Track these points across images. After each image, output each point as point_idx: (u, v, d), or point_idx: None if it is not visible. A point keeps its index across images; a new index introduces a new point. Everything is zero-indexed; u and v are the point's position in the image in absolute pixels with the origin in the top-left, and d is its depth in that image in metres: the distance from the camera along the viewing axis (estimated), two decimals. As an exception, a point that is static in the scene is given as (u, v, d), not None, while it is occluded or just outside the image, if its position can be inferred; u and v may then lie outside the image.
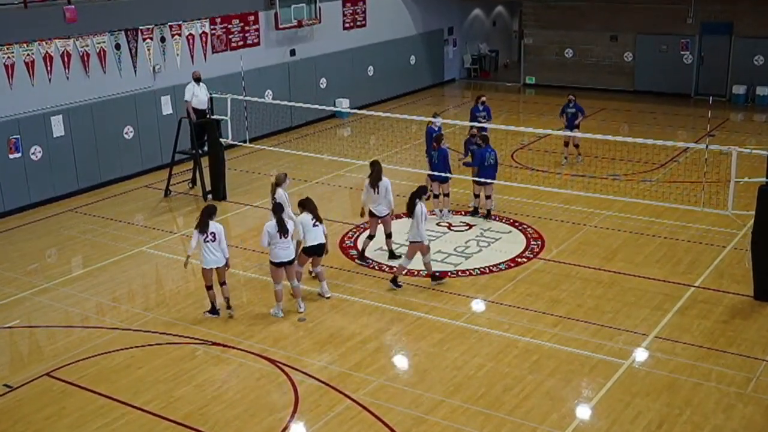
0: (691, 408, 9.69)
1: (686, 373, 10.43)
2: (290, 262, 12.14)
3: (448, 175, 15.84)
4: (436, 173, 15.72)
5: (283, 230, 11.88)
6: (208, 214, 12.03)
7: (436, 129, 17.01)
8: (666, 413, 9.60)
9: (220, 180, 17.90)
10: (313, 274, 13.05)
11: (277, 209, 12.06)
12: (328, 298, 12.81)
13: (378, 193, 13.82)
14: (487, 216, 16.03)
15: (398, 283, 13.13)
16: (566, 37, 29.05)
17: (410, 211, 12.80)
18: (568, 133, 18.75)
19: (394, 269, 13.43)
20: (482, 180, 15.62)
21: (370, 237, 14.31)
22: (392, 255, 14.33)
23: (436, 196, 15.99)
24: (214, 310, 12.38)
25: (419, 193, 12.90)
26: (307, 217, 12.37)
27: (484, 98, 19.22)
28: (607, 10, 27.79)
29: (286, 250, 12.00)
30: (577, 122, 19.11)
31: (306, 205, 12.45)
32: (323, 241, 12.48)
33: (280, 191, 13.20)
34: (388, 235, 14.31)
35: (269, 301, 12.88)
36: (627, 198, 15.58)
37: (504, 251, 14.50)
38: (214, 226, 11.94)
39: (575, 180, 17.96)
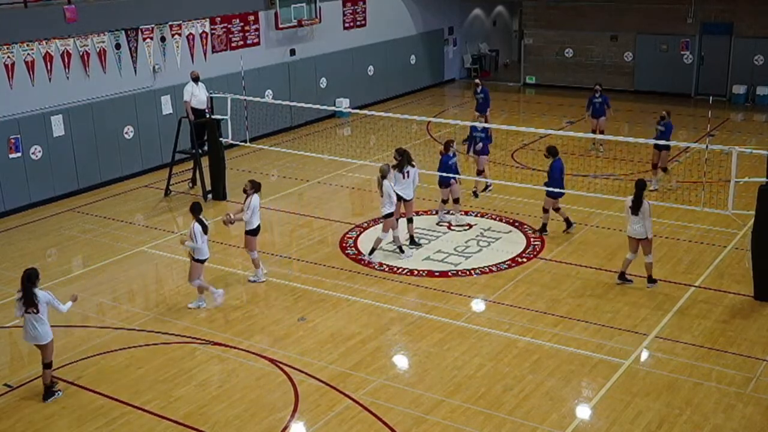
0: (691, 408, 9.70)
1: (686, 373, 10.44)
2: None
3: (454, 176, 15.48)
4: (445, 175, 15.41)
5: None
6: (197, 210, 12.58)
7: (479, 130, 17.39)
8: (666, 413, 9.61)
9: (220, 180, 17.91)
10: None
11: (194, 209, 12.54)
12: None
13: (407, 178, 14.41)
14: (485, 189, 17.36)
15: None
16: (566, 37, 29.06)
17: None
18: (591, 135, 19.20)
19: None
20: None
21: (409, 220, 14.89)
22: (413, 241, 14.78)
23: (454, 200, 15.73)
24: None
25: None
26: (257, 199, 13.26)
27: (477, 80, 21.68)
28: (608, 10, 27.81)
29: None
30: (605, 115, 20.30)
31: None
32: None
33: (386, 183, 13.80)
34: (410, 220, 14.76)
35: (270, 301, 12.92)
36: (624, 198, 15.54)
37: (504, 251, 14.50)
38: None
39: (576, 180, 17.95)
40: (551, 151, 14.84)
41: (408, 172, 14.52)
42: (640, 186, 12.63)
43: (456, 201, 15.73)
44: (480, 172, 17.41)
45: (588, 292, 12.82)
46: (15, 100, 17.21)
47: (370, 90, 26.69)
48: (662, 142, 16.00)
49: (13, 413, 10.06)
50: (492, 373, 10.56)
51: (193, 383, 10.57)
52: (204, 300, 12.78)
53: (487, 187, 17.55)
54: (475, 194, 17.36)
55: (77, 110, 18.36)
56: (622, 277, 13.03)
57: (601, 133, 19.97)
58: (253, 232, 13.32)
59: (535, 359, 10.87)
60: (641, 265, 12.92)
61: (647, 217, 12.49)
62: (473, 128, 17.70)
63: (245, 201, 13.25)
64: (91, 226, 16.58)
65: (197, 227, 12.31)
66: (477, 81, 21.86)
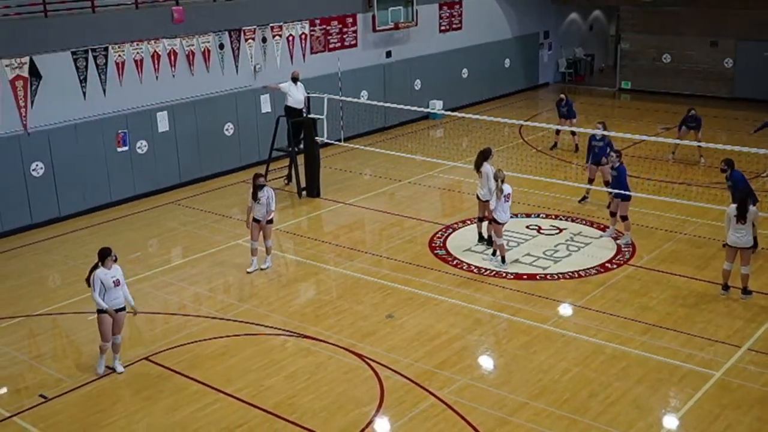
0: (783, 423, 9.46)
1: (780, 388, 10.18)
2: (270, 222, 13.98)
3: (627, 193, 14.69)
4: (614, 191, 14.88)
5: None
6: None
7: (598, 138, 16.72)
8: (757, 427, 9.38)
9: (314, 177, 18.30)
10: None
11: None
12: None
13: (481, 177, 14.55)
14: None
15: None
16: (664, 42, 28.42)
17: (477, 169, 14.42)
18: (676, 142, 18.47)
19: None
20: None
21: (479, 219, 15.09)
22: (481, 238, 14.98)
23: (612, 215, 15.11)
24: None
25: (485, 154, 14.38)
26: None
27: (563, 95, 21.05)
28: (708, 15, 27.04)
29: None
30: (699, 137, 19.46)
31: None
32: None
33: (486, 165, 14.40)
34: (480, 219, 14.99)
35: (360, 297, 13.16)
36: (723, 207, 15.16)
37: (594, 256, 14.38)
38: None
39: (670, 187, 17.62)
40: (729, 164, 14.12)
41: (480, 172, 14.58)
42: (745, 192, 12.31)
43: (623, 218, 14.86)
44: (607, 183, 16.13)
45: (679, 301, 12.60)
46: (124, 96, 17.99)
47: (464, 92, 26.73)
48: None
49: (113, 395, 10.53)
50: (578, 378, 10.51)
51: (283, 374, 10.84)
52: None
53: (585, 197, 17.17)
54: (584, 199, 17.11)
55: (181, 107, 19.06)
56: (726, 288, 12.74)
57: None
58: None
59: (623, 366, 10.75)
60: (735, 275, 12.61)
61: (755, 224, 12.16)
62: (592, 137, 16.90)
63: (261, 194, 13.84)
64: (191, 219, 17.19)
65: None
66: (562, 96, 21.07)
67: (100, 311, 10.74)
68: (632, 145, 21.09)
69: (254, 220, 14.02)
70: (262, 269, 14.16)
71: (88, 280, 10.79)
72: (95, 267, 10.76)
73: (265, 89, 19.70)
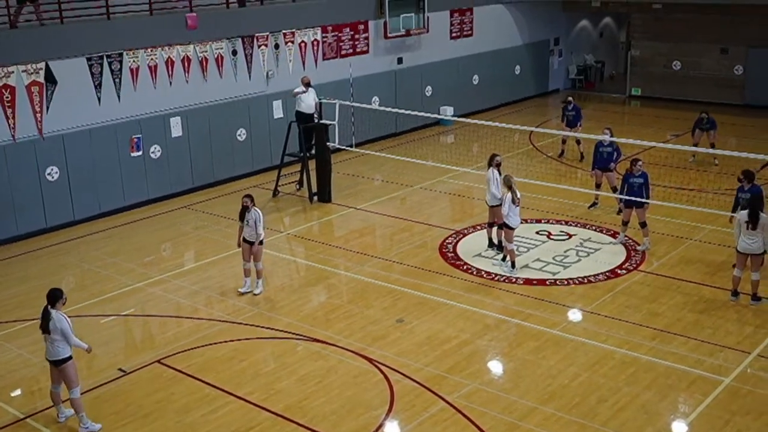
0: (792, 429, 9.48)
1: (789, 394, 10.19)
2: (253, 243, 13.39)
3: (642, 200, 14.63)
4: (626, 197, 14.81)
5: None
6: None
7: (606, 144, 16.78)
8: (766, 433, 9.42)
9: (325, 182, 18.40)
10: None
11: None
12: None
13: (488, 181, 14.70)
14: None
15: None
16: (675, 49, 28.44)
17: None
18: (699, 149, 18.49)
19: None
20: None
21: (489, 225, 15.14)
22: (491, 243, 15.07)
23: (624, 223, 15.14)
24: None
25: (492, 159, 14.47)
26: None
27: (570, 98, 21.08)
28: (719, 23, 27.05)
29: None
30: (713, 138, 19.98)
31: None
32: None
33: (490, 171, 14.52)
34: (490, 224, 15.05)
35: (370, 301, 13.24)
36: (729, 213, 15.17)
37: (604, 262, 14.43)
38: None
39: (680, 192, 17.64)
40: (748, 176, 13.68)
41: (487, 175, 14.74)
42: (758, 197, 12.34)
43: (642, 225, 14.82)
44: (615, 189, 16.53)
45: (688, 307, 12.62)
46: (138, 101, 18.15)
47: (475, 99, 26.81)
48: None
49: (125, 397, 10.61)
50: (587, 384, 10.55)
51: (294, 378, 10.90)
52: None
53: (594, 203, 17.23)
54: (594, 205, 17.19)
55: (194, 112, 19.21)
56: (736, 294, 12.76)
57: (712, 146, 19.61)
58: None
59: (632, 372, 10.79)
60: (745, 282, 12.64)
61: (767, 230, 12.20)
62: (599, 143, 16.91)
63: (248, 216, 13.27)
64: (204, 223, 17.31)
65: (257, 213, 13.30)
66: (569, 99, 21.09)
67: (70, 357, 9.73)
68: (642, 151, 21.08)
69: (245, 240, 13.48)
70: (255, 294, 13.53)
71: (46, 327, 9.58)
72: (48, 311, 9.61)
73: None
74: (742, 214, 12.37)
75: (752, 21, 26.27)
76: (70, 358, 9.68)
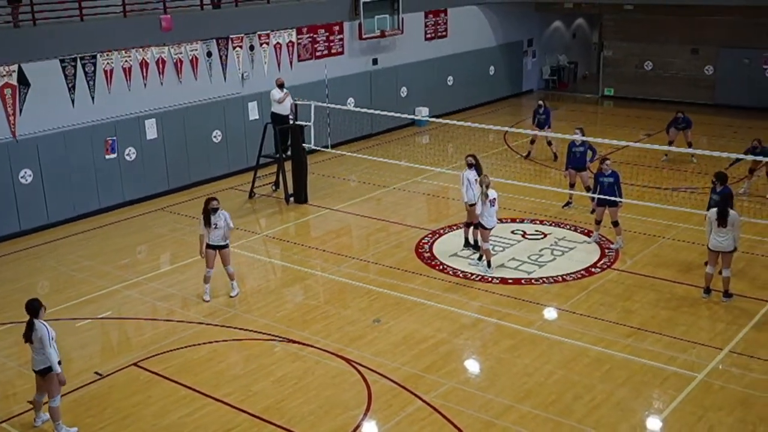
0: (765, 424, 9.60)
1: (761, 389, 10.34)
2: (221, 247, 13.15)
3: (614, 199, 14.77)
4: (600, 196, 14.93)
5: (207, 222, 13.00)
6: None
7: (578, 144, 16.91)
8: (739, 429, 9.54)
9: (302, 183, 18.41)
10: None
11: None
12: None
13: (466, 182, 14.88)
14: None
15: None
16: (646, 50, 28.80)
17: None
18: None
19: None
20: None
21: (467, 225, 15.27)
22: (467, 243, 15.21)
23: (597, 222, 15.28)
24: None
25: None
26: None
27: (541, 101, 21.25)
28: (689, 23, 27.41)
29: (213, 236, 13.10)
30: (689, 137, 20.43)
31: None
32: None
33: (466, 171, 14.85)
34: (467, 224, 15.16)
35: (347, 302, 13.27)
36: (705, 211, 15.39)
37: (578, 260, 14.57)
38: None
39: (653, 192, 17.83)
40: (720, 178, 13.62)
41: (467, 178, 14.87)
42: (727, 196, 12.51)
43: (614, 224, 14.94)
44: (588, 189, 16.65)
45: (662, 305, 12.78)
46: (112, 103, 18.04)
47: (449, 99, 26.94)
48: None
49: (102, 400, 10.56)
50: (562, 381, 10.65)
51: (271, 379, 10.92)
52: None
53: (569, 203, 17.42)
54: (568, 204, 17.36)
55: (169, 114, 19.13)
56: (708, 291, 12.94)
57: (689, 144, 20.02)
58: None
59: (607, 369, 10.91)
60: (717, 279, 12.83)
61: (736, 228, 12.37)
62: (572, 143, 17.05)
63: (216, 219, 12.95)
64: (180, 225, 17.25)
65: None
66: (540, 102, 21.18)
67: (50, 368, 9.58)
68: (615, 150, 21.31)
69: (209, 246, 13.12)
70: (231, 297, 13.46)
71: (29, 337, 9.52)
72: (32, 322, 9.52)
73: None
74: (712, 212, 12.55)
75: (722, 21, 26.66)
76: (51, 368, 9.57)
